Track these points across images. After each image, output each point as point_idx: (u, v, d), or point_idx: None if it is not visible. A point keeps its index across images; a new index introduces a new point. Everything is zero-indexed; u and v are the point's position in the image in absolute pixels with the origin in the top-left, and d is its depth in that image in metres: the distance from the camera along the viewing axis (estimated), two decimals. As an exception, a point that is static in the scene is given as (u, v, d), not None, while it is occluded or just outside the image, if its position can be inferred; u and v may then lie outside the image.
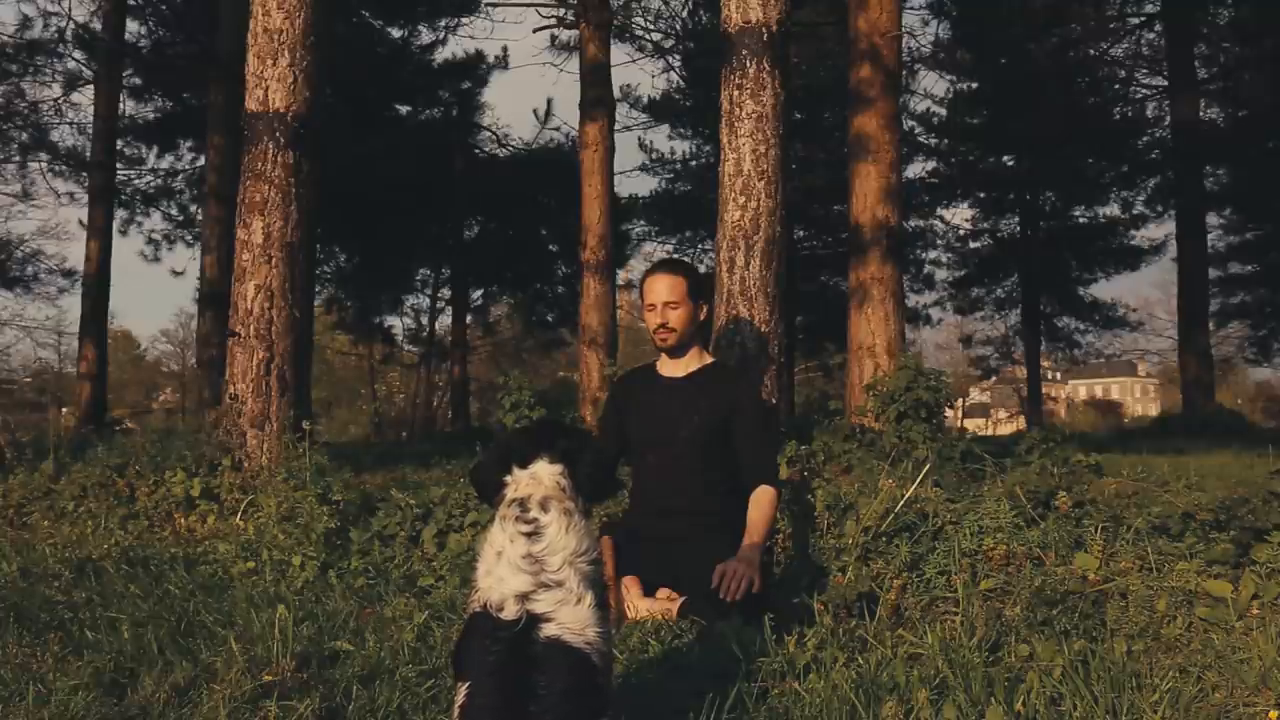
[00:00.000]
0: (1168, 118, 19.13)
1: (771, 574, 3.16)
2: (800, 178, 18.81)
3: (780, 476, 3.38)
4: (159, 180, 18.42)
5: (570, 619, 1.56)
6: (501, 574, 1.60)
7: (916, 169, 22.59)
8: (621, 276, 21.89)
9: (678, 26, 18.32)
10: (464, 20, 18.83)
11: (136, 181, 18.34)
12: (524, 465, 1.75)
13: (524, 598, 1.57)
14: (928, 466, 4.07)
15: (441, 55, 19.45)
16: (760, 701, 2.24)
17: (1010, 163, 22.88)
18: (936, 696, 2.19)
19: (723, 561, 2.83)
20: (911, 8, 17.21)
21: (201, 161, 16.20)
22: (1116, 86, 20.67)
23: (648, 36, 18.04)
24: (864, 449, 4.89)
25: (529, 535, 1.63)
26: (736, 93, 4.93)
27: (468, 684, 1.54)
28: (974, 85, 21.64)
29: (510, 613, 1.55)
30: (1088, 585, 2.92)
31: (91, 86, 15.93)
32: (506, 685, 1.51)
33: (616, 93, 14.27)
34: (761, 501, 3.03)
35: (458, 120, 19.71)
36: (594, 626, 1.59)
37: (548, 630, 1.55)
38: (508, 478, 1.76)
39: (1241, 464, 6.64)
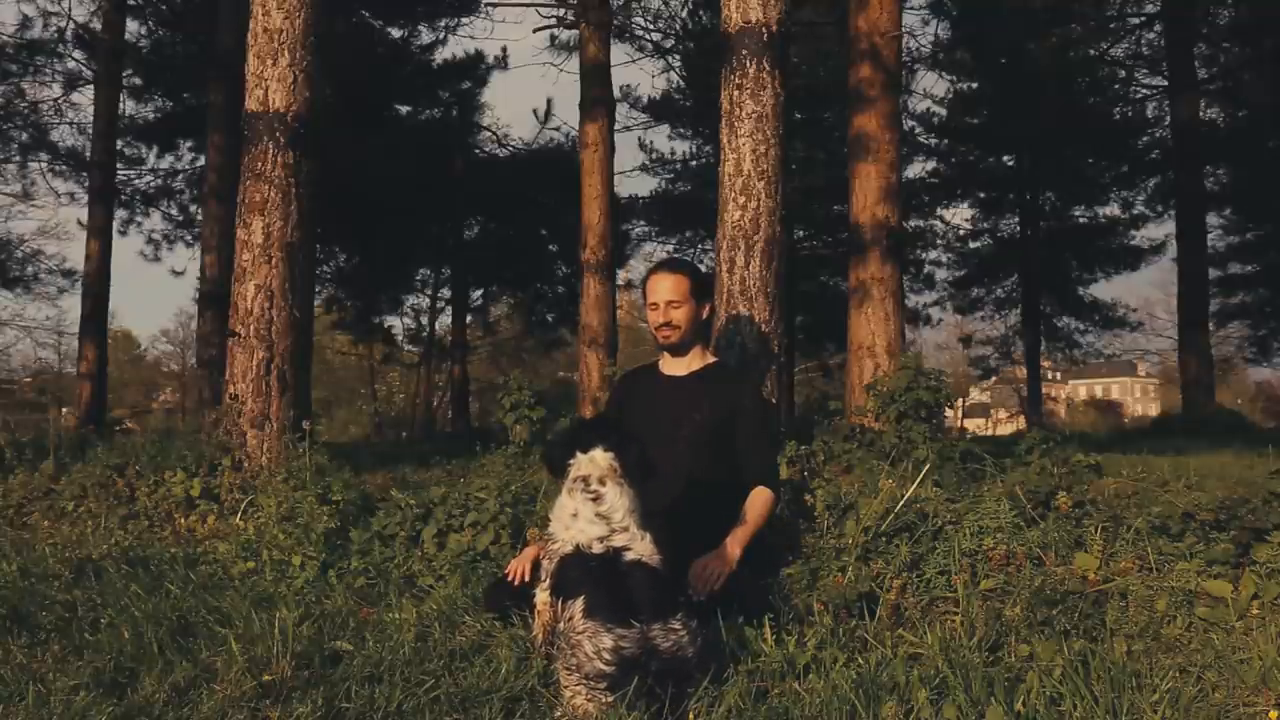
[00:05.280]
0: (1168, 118, 19.13)
1: (769, 573, 3.16)
2: (800, 178, 18.80)
3: (780, 477, 3.38)
4: (159, 180, 18.45)
5: (642, 549, 2.37)
6: (581, 527, 2.39)
7: (916, 169, 22.64)
8: (621, 276, 21.92)
9: (678, 26, 18.33)
10: (464, 20, 18.87)
11: (136, 181, 18.38)
12: (585, 450, 2.50)
13: (604, 539, 2.37)
14: (928, 466, 4.07)
15: (441, 55, 19.49)
16: (760, 701, 2.24)
17: (1010, 163, 22.89)
18: (936, 696, 2.19)
19: (701, 559, 2.82)
20: (911, 8, 17.19)
21: (201, 161, 16.21)
22: (1116, 86, 20.68)
23: (648, 36, 18.06)
24: (864, 449, 4.89)
25: (593, 500, 2.41)
26: (736, 93, 4.93)
27: (582, 594, 2.26)
28: (974, 85, 21.64)
29: (598, 549, 2.36)
30: (1088, 585, 2.92)
31: (91, 86, 15.95)
32: (613, 591, 2.26)
33: (616, 93, 14.27)
34: (756, 502, 3.03)
35: (457, 120, 19.71)
36: (657, 554, 2.39)
37: (629, 557, 2.35)
38: (571, 460, 2.51)
39: (1241, 464, 6.63)
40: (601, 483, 2.44)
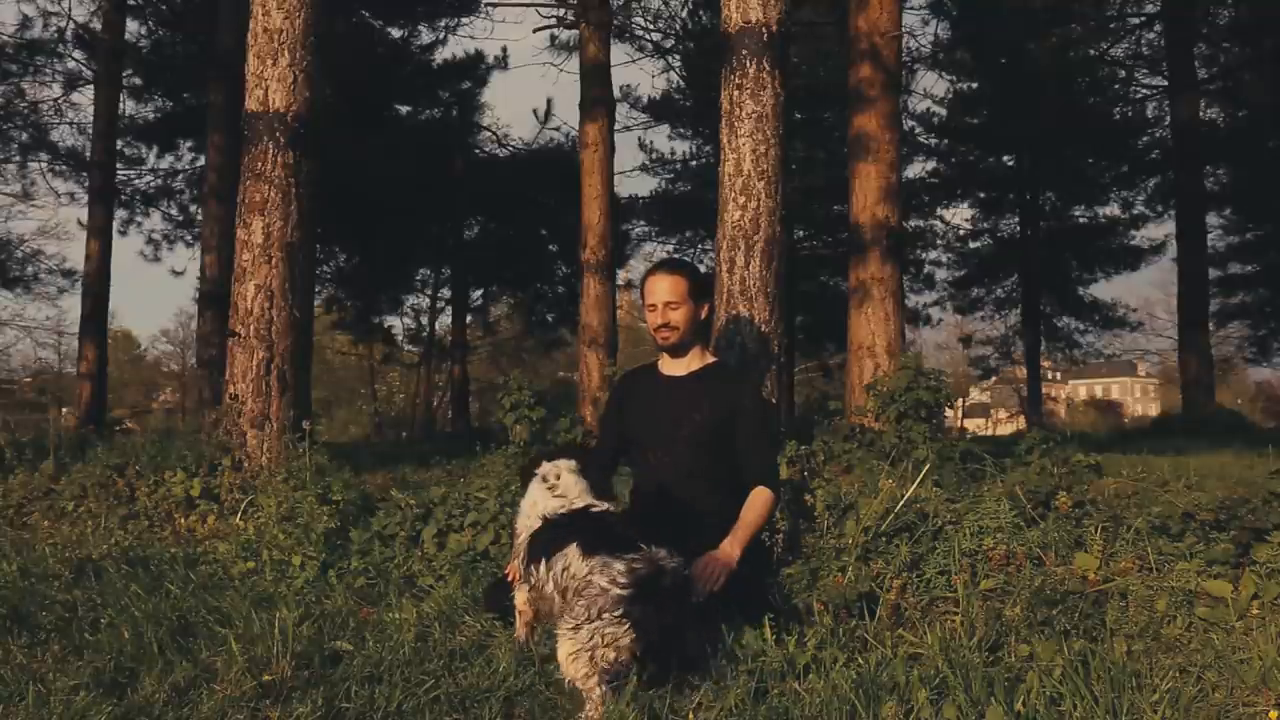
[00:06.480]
0: (1168, 118, 19.13)
1: (770, 573, 3.16)
2: (800, 178, 18.81)
3: (780, 477, 3.37)
4: (159, 180, 18.46)
5: (601, 507, 2.63)
6: (542, 508, 2.66)
7: (916, 169, 22.64)
8: (621, 276, 21.92)
9: (678, 26, 18.32)
10: (464, 20, 18.88)
11: (136, 181, 18.38)
12: (550, 460, 2.83)
13: (564, 507, 2.63)
14: (928, 466, 4.07)
15: (441, 55, 19.49)
16: (760, 701, 2.24)
17: (1010, 163, 22.89)
18: (936, 696, 2.19)
19: (701, 559, 2.82)
20: (911, 8, 17.18)
21: (201, 161, 16.21)
22: (1116, 86, 20.68)
23: (648, 36, 18.06)
24: (864, 449, 4.89)
25: (550, 489, 2.71)
26: (736, 93, 4.93)
27: (573, 542, 2.44)
28: (974, 85, 21.64)
29: (563, 512, 2.60)
30: (1088, 585, 2.92)
31: (91, 86, 15.94)
32: (600, 531, 2.46)
33: (616, 93, 14.27)
34: (755, 503, 3.02)
35: (457, 120, 19.71)
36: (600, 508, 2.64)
37: (595, 510, 2.59)
38: (537, 470, 2.82)
39: (1241, 464, 6.63)
40: (558, 476, 2.72)
